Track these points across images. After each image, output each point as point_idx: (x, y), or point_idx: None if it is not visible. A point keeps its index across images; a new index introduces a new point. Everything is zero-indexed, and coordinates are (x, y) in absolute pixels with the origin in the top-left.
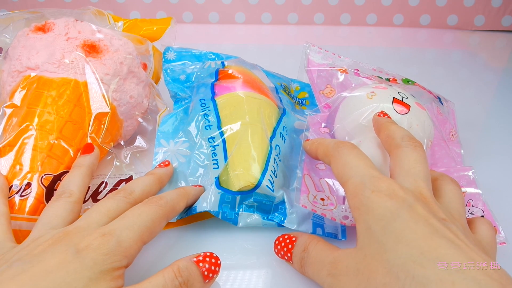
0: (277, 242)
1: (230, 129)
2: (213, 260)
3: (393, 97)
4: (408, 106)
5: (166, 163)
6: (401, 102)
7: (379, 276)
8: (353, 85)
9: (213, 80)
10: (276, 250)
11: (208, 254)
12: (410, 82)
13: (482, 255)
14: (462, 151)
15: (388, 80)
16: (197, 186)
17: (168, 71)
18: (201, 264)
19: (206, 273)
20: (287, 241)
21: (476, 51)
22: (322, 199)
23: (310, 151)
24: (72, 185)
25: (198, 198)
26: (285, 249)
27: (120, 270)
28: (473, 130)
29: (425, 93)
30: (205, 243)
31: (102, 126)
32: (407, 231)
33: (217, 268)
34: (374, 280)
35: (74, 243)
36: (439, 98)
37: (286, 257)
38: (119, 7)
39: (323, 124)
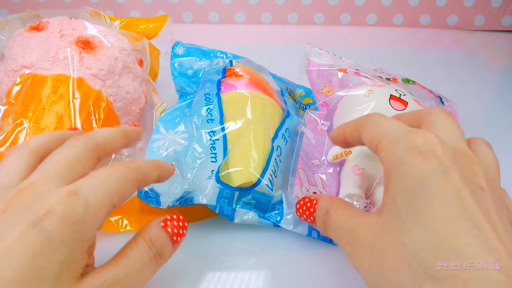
0: (298, 206)
1: (232, 125)
2: (180, 223)
3: (390, 94)
4: (405, 103)
5: (137, 124)
6: (398, 99)
7: (391, 260)
8: (352, 84)
9: (220, 77)
10: (298, 214)
11: (175, 217)
12: (410, 82)
13: (506, 243)
14: None
15: (388, 79)
16: (170, 165)
17: (176, 65)
18: (169, 229)
19: (174, 238)
20: (308, 204)
21: (476, 51)
22: (315, 193)
23: (337, 135)
24: (31, 139)
25: (168, 177)
26: (307, 212)
27: (91, 241)
28: (473, 130)
29: (425, 92)
30: (204, 244)
31: (98, 121)
32: (431, 209)
33: (184, 231)
34: (387, 262)
35: (33, 208)
36: (440, 98)
37: (309, 220)
38: (119, 7)
39: (320, 122)
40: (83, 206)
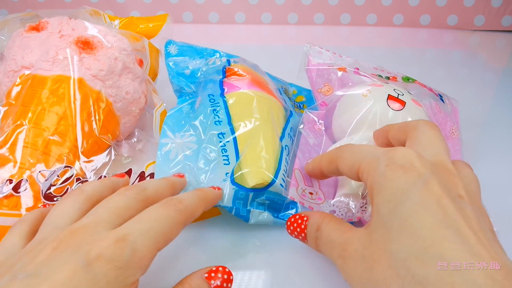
0: (289, 223)
1: (242, 126)
2: (225, 276)
3: (388, 94)
4: (403, 103)
5: (181, 175)
6: (396, 99)
7: (381, 268)
8: (351, 83)
9: (221, 77)
10: (289, 231)
11: (220, 269)
12: (410, 80)
13: (489, 248)
14: (461, 148)
15: (388, 78)
16: (216, 189)
17: (171, 64)
18: (212, 282)
19: None
20: (299, 221)
21: (476, 51)
22: (311, 193)
23: (313, 169)
24: (86, 185)
25: (216, 203)
26: (298, 229)
27: (134, 285)
28: (474, 130)
29: (425, 90)
30: (203, 244)
31: (98, 122)
32: (414, 217)
33: (229, 285)
34: (376, 272)
35: (84, 250)
36: (440, 96)
37: (300, 237)
38: (119, 7)
39: (318, 122)
40: (130, 252)
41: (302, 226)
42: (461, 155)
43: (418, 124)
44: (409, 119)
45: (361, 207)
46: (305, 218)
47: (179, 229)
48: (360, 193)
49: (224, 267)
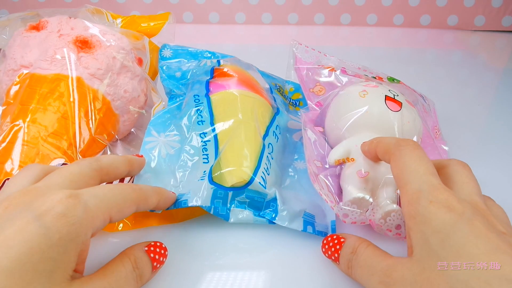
0: (325, 242)
1: (223, 125)
2: (162, 251)
3: (385, 95)
4: (400, 104)
5: (140, 155)
6: (393, 100)
7: None
8: (343, 83)
9: (208, 77)
10: (323, 250)
11: (158, 244)
12: (395, 81)
13: None
14: (447, 147)
15: (374, 78)
16: (172, 193)
17: (164, 68)
18: (152, 255)
19: (155, 263)
20: (335, 241)
21: (476, 51)
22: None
23: (369, 150)
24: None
25: (168, 205)
26: (333, 249)
27: (84, 245)
28: (473, 131)
29: (410, 91)
30: (198, 241)
31: (95, 120)
32: (468, 245)
33: (163, 259)
34: None
35: (35, 205)
36: (422, 97)
37: (333, 257)
38: (119, 7)
39: (316, 123)
40: (82, 209)
41: (337, 247)
42: (447, 154)
43: (450, 163)
44: (406, 120)
45: (372, 209)
46: (342, 239)
47: (132, 206)
48: (368, 198)
49: (161, 243)
